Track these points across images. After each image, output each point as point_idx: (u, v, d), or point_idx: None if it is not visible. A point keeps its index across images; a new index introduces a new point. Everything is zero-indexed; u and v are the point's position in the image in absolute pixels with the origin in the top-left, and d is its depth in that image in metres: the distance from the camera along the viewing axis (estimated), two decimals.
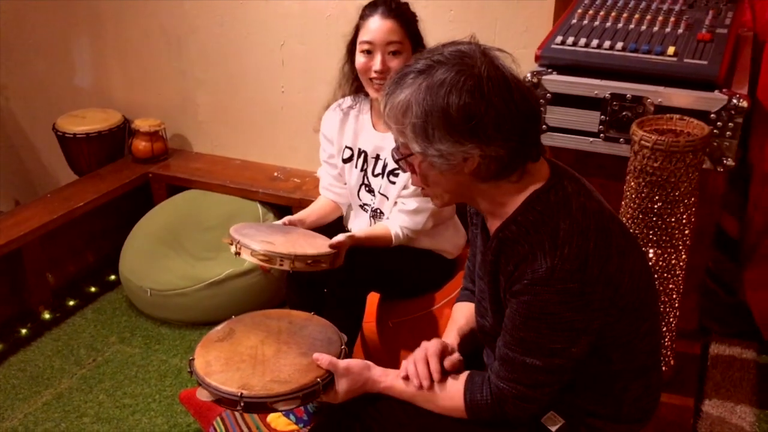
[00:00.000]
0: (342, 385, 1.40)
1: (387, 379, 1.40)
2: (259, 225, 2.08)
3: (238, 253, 1.78)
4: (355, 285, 2.04)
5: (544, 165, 1.31)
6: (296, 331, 1.58)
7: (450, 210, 2.25)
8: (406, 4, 2.08)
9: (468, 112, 1.17)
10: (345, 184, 2.30)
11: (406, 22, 2.02)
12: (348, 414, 1.46)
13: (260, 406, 1.39)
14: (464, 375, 1.35)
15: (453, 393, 1.33)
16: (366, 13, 2.05)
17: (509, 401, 1.27)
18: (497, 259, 1.29)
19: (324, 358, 1.42)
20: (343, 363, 1.41)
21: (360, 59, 2.04)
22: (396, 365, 1.46)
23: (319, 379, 1.40)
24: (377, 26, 1.99)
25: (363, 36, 2.03)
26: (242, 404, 1.37)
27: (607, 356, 1.28)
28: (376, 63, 2.00)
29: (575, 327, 1.20)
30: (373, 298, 2.18)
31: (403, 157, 1.30)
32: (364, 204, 2.27)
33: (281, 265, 1.74)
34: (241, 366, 1.46)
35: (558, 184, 1.27)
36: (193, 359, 1.49)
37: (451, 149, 1.20)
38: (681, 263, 1.76)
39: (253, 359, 1.48)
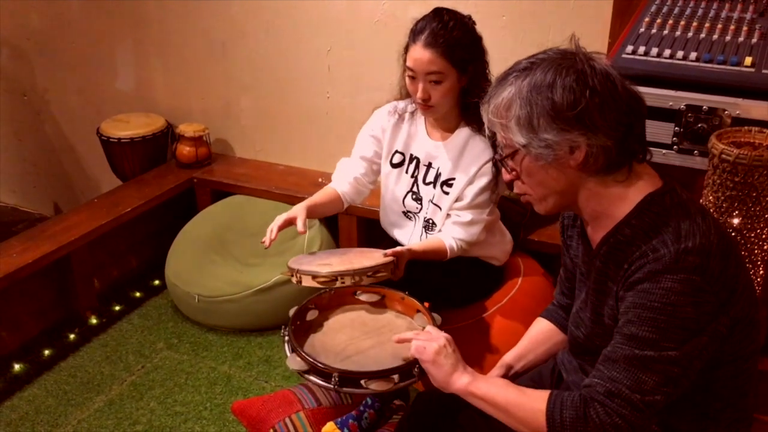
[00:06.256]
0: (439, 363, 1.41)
1: (475, 380, 1.36)
2: (314, 254, 2.09)
3: (299, 282, 1.81)
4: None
5: (653, 172, 1.30)
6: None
7: (496, 215, 2.22)
8: (456, 25, 1.99)
9: (573, 97, 1.19)
10: (371, 183, 2.27)
11: (449, 50, 1.95)
12: (429, 426, 1.44)
13: (353, 382, 1.44)
14: (545, 393, 1.27)
15: (535, 408, 1.27)
16: (412, 34, 2.01)
17: (595, 405, 1.18)
18: (606, 265, 1.27)
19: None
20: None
21: (407, 81, 2.04)
22: None
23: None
24: (418, 56, 1.97)
25: (408, 60, 2.01)
26: (336, 379, 1.39)
27: (712, 375, 1.25)
28: (419, 90, 2.00)
29: (688, 326, 1.16)
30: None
31: (506, 156, 1.30)
32: (408, 211, 2.25)
33: (343, 282, 1.77)
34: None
35: (673, 190, 1.26)
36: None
37: (557, 137, 1.21)
38: (758, 279, 1.72)
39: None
